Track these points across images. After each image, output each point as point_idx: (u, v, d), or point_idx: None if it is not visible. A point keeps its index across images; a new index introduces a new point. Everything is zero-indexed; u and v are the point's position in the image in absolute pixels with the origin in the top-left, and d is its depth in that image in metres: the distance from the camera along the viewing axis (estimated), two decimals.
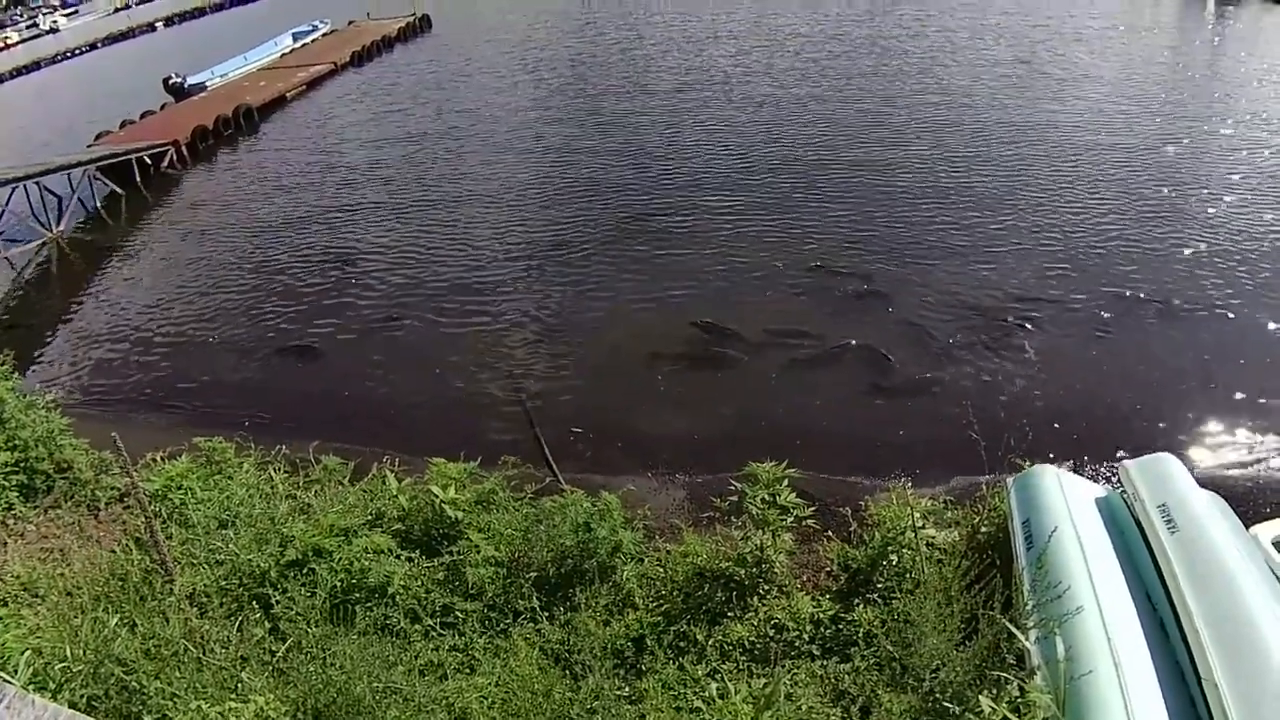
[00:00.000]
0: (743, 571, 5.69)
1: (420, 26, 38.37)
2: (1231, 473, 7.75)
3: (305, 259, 14.64)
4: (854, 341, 10.09)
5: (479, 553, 5.94)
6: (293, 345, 11.76)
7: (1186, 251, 11.64)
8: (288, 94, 27.74)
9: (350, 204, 16.97)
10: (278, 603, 5.67)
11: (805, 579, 6.19)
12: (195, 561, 6.30)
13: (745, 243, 12.90)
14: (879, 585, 5.74)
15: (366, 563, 5.85)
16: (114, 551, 6.76)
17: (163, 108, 27.59)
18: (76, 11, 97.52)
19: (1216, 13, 32.06)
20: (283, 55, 34.89)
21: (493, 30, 35.60)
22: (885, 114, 18.38)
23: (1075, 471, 6.27)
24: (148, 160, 21.09)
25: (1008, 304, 10.65)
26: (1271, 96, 18.64)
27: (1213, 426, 8.35)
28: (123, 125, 25.06)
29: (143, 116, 26.19)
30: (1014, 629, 4.36)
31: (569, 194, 15.83)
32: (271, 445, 8.43)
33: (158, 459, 8.22)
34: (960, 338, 10.02)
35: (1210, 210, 12.82)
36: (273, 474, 7.73)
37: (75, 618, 5.31)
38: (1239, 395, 8.74)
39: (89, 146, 22.52)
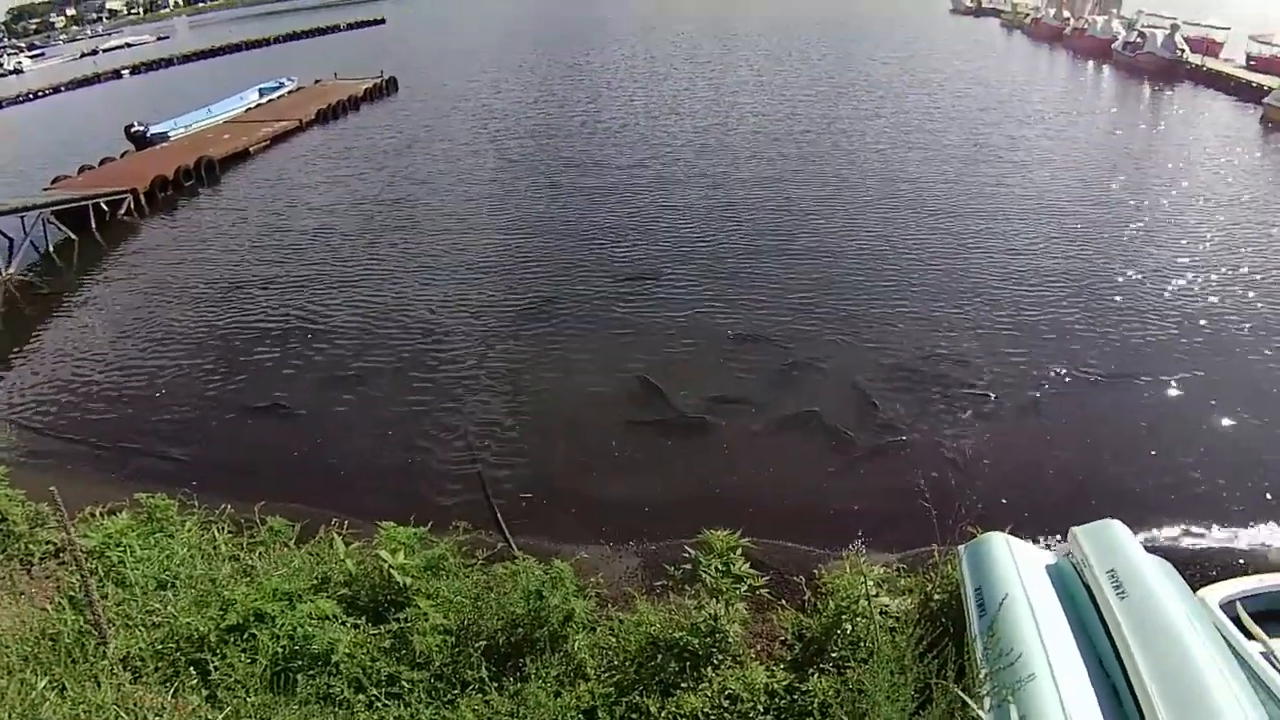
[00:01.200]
0: (696, 641, 5.61)
1: (386, 88, 38.76)
2: (1177, 537, 7.97)
3: (258, 317, 14.43)
4: (806, 410, 10.22)
5: (427, 620, 5.79)
6: (242, 403, 11.52)
7: (1130, 323, 12.07)
8: (251, 148, 27.74)
9: (307, 263, 16.85)
10: (216, 669, 5.46)
11: (760, 648, 6.13)
12: (131, 623, 6.05)
13: (698, 314, 13.07)
14: (833, 654, 5.70)
15: (310, 629, 5.66)
16: (46, 610, 6.47)
17: (124, 155, 27.41)
18: (43, 55, 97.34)
19: (1152, 95, 34.15)
20: (248, 110, 34.99)
21: (457, 96, 36.00)
22: (837, 192, 18.84)
23: (1025, 538, 6.36)
24: (105, 207, 20.87)
25: (956, 374, 10.89)
26: (1210, 174, 19.90)
27: (1157, 492, 8.57)
28: (81, 170, 24.83)
29: (102, 163, 25.99)
30: (967, 698, 4.35)
31: (524, 263, 15.89)
32: (216, 504, 8.16)
33: (97, 514, 7.91)
34: (911, 408, 10.20)
35: (1151, 283, 13.37)
36: (216, 534, 7.49)
37: (1, 679, 5.05)
38: (1182, 461, 9.00)
39: (45, 190, 22.26)
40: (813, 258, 15.14)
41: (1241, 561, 7.50)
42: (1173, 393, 10.37)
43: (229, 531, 7.63)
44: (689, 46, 48.49)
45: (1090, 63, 44.16)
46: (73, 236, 19.47)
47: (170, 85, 53.83)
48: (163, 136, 29.49)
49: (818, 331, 12.30)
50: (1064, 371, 10.84)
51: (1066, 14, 54.85)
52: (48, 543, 7.55)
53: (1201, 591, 5.64)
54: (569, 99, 32.91)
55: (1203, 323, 12.02)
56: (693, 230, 16.91)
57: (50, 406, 11.95)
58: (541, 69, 42.40)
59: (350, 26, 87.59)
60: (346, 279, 15.73)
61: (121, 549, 6.93)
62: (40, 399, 12.21)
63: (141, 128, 29.25)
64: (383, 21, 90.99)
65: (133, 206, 21.74)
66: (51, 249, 19.00)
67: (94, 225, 20.22)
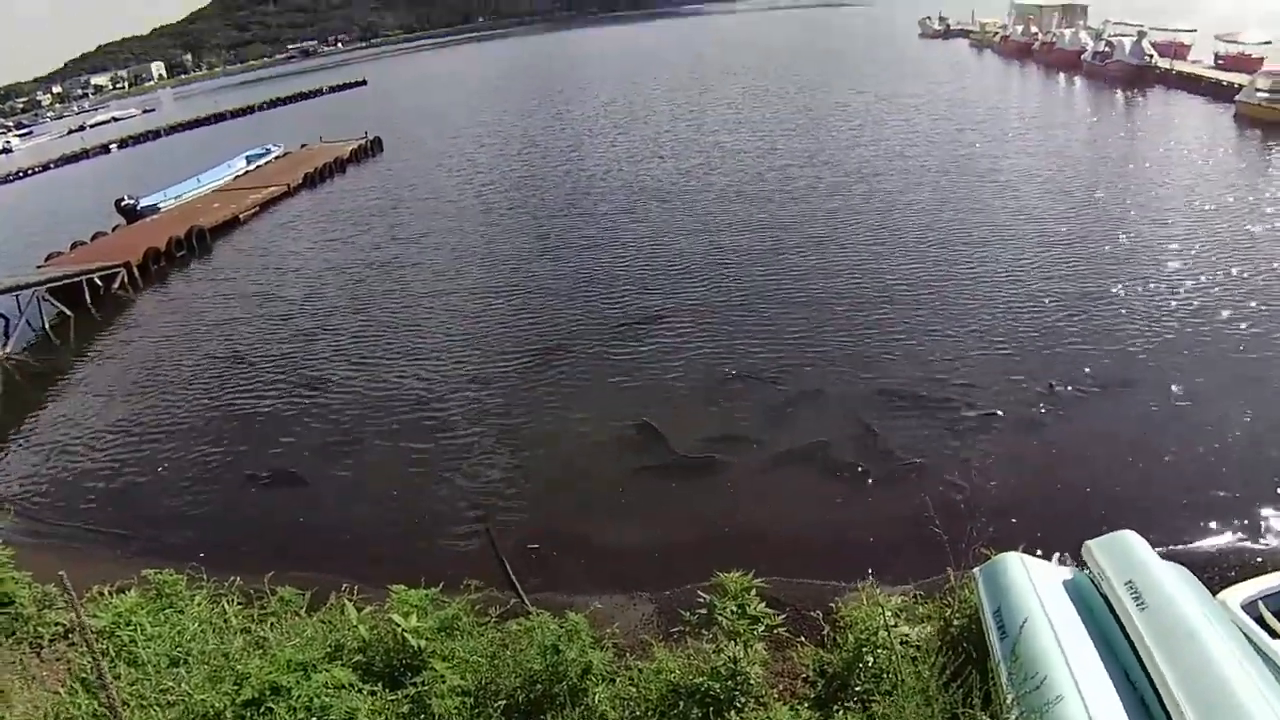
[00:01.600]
0: (718, 686, 5.54)
1: (371, 149, 39.32)
2: (1192, 542, 7.96)
3: (255, 386, 14.45)
4: (808, 443, 10.27)
5: (445, 683, 5.71)
6: (245, 473, 11.52)
7: (1125, 332, 12.18)
8: (241, 215, 28.01)
9: (300, 330, 16.90)
10: None
11: (782, 688, 6.06)
12: (145, 703, 5.97)
13: (693, 355, 13.16)
14: (857, 689, 5.64)
15: (327, 699, 5.58)
16: (58, 693, 6.37)
17: (115, 229, 27.67)
18: (30, 132, 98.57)
19: (1125, 102, 34.78)
20: (236, 177, 35.45)
21: (441, 153, 36.47)
22: (823, 225, 19.05)
23: (1039, 556, 6.33)
24: (98, 282, 21.01)
25: (954, 396, 10.95)
26: (1191, 176, 20.39)
27: (1168, 498, 8.61)
28: (73, 246, 25.07)
29: (94, 238, 26.23)
30: None
31: (516, 316, 15.98)
32: (225, 576, 8.11)
33: (105, 592, 7.83)
34: (913, 433, 10.25)
35: (1143, 291, 13.54)
36: (226, 607, 7.42)
37: None
38: (1189, 464, 9.07)
39: (39, 267, 22.40)
40: (803, 292, 15.26)
41: (1260, 560, 7.51)
42: (1173, 398, 10.43)
43: (239, 603, 7.57)
44: (666, 88, 49.28)
45: (1061, 75, 45.00)
46: (68, 313, 19.56)
47: (158, 157, 54.54)
48: (153, 208, 29.84)
49: (814, 364, 12.37)
50: (1063, 385, 10.89)
51: (1034, 29, 56.01)
52: (57, 624, 7.46)
53: (1222, 594, 5.63)
54: (552, 148, 33.41)
55: (1197, 326, 12.16)
56: (682, 272, 17.03)
57: (54, 486, 11.93)
58: (523, 121, 43.00)
59: (332, 89, 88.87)
60: (340, 344, 15.75)
61: (132, 627, 6.85)
62: (43, 479, 12.19)
63: (132, 200, 29.59)
64: (364, 83, 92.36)
65: (126, 280, 21.87)
66: (48, 326, 19.08)
67: (89, 300, 20.34)
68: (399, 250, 21.52)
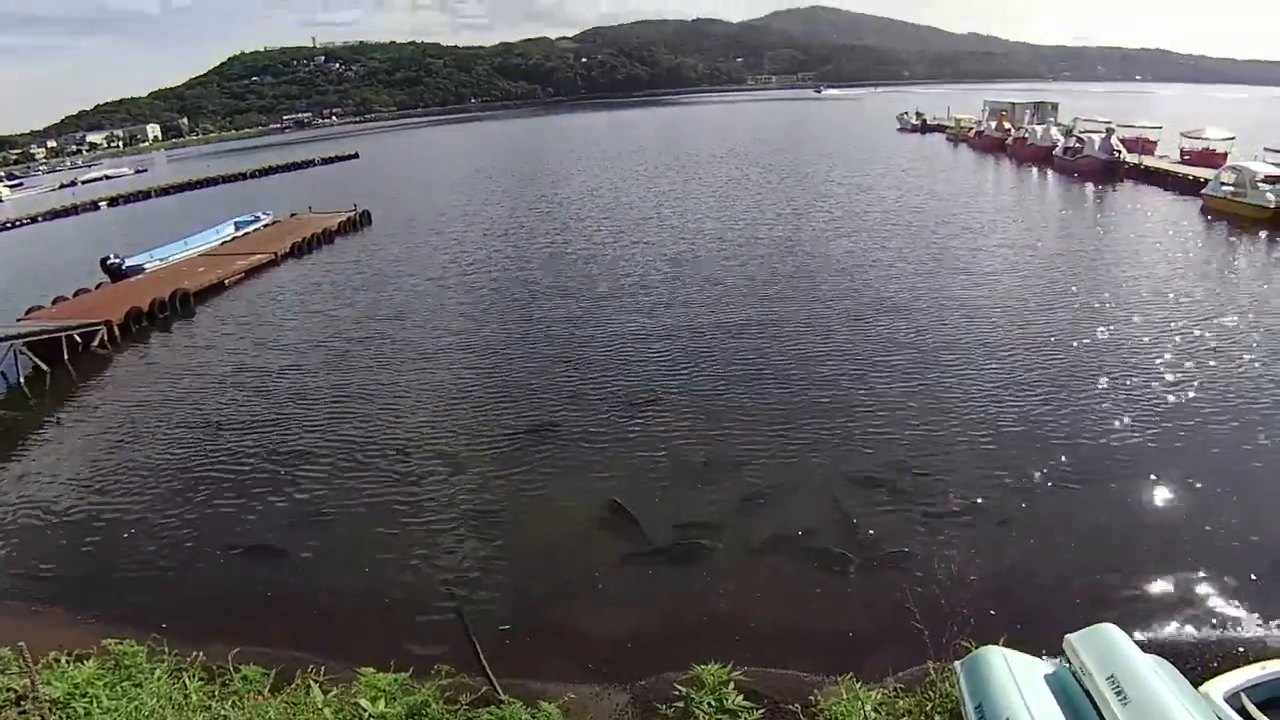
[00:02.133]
0: None
1: (360, 222, 39.53)
2: (1173, 633, 7.99)
3: (229, 455, 14.14)
4: (787, 532, 10.25)
5: None
6: (214, 544, 11.19)
7: (1103, 424, 12.50)
8: (226, 281, 28.00)
9: (278, 400, 16.66)
10: None
11: None
12: None
13: (673, 442, 13.14)
14: None
15: None
16: None
17: (99, 286, 27.53)
18: (21, 184, 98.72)
19: (1096, 195, 36.44)
20: (224, 243, 35.56)
21: (429, 230, 36.86)
22: (803, 314, 19.40)
23: (1020, 649, 6.33)
24: (78, 338, 20.78)
25: (934, 487, 11.03)
26: (1164, 268, 21.65)
27: (1148, 589, 8.66)
28: (55, 301, 24.87)
29: (77, 294, 26.07)
30: None
31: (496, 397, 15.87)
32: (188, 649, 7.82)
33: (63, 660, 7.55)
34: (891, 523, 10.27)
35: (1121, 383, 14.00)
36: (187, 682, 7.17)
37: None
38: (1168, 555, 9.15)
39: (19, 320, 22.13)
40: (782, 380, 15.42)
41: (1241, 650, 7.53)
42: (1152, 488, 10.63)
43: (200, 679, 7.30)
44: (649, 175, 50.75)
45: (1034, 169, 47.25)
46: (45, 368, 19.29)
47: (147, 218, 54.66)
48: (138, 269, 29.77)
49: (794, 452, 12.44)
50: (1041, 476, 11.04)
51: (1007, 125, 58.88)
52: (9, 690, 7.13)
53: (1205, 686, 5.65)
54: (537, 230, 33.96)
55: (1176, 418, 12.52)
56: (664, 358, 17.19)
57: (16, 545, 11.57)
58: (510, 201, 43.92)
59: (325, 161, 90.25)
60: (317, 418, 15.52)
61: (88, 699, 6.62)
62: (6, 536, 11.82)
63: (117, 259, 29.54)
64: (356, 156, 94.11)
65: (106, 339, 21.66)
66: (23, 380, 18.74)
67: (66, 357, 20.05)
68: (381, 326, 21.41)
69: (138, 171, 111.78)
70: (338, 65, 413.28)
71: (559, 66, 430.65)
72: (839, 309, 19.47)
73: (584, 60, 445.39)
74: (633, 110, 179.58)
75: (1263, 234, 26.85)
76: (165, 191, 72.42)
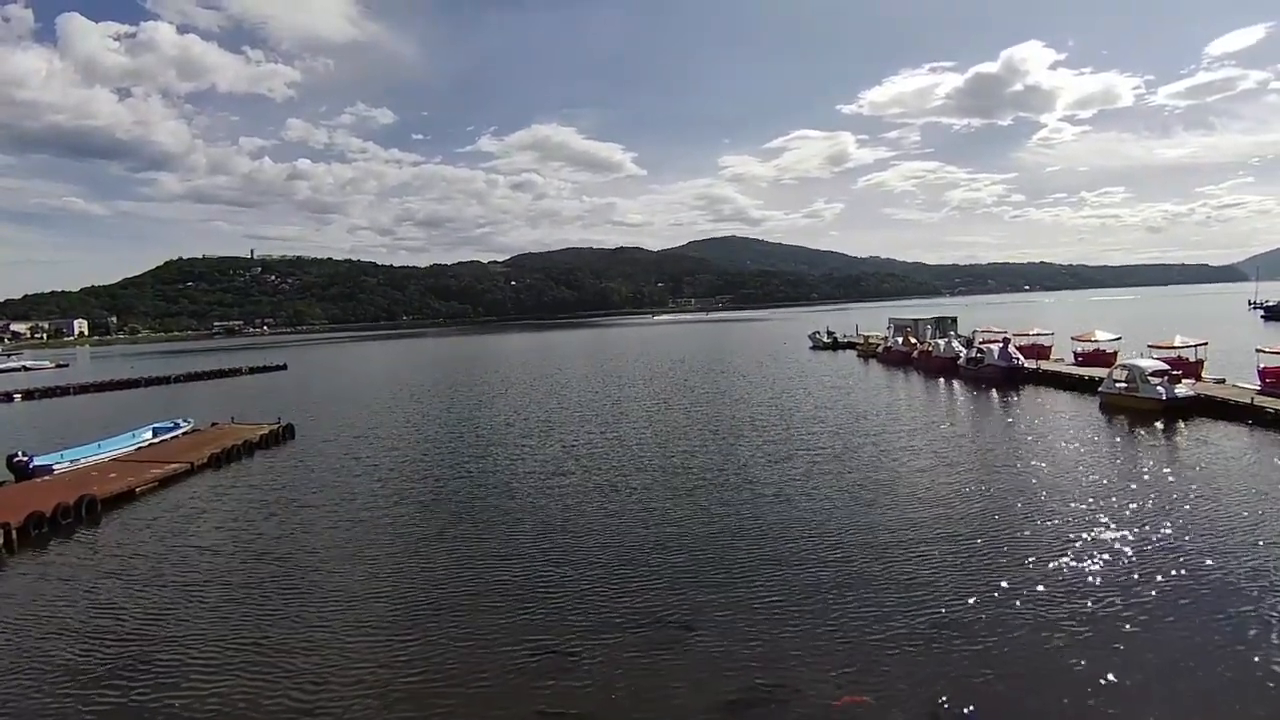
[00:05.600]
0: None
1: (283, 435, 39.29)
2: None
3: (118, 685, 13.46)
4: None
5: None
6: None
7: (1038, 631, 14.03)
8: (138, 489, 27.81)
9: (181, 623, 15.96)
10: None
11: None
12: None
13: (584, 676, 13.21)
14: None
15: None
16: None
17: (2, 485, 27.19)
18: None
19: (1001, 400, 40.60)
20: (140, 448, 35.53)
21: (354, 443, 37.28)
22: (732, 541, 19.84)
23: None
24: None
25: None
26: (1073, 465, 25.57)
27: None
28: None
29: None
30: None
31: (415, 622, 15.56)
32: None
33: None
34: None
35: (1053, 594, 15.60)
36: None
37: None
38: None
39: None
40: (709, 610, 15.60)
41: None
42: (1080, 689, 11.93)
43: None
44: (577, 398, 52.63)
45: (941, 380, 52.18)
46: None
47: (63, 415, 53.77)
48: (46, 469, 29.55)
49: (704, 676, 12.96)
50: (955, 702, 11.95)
51: (913, 340, 65.33)
52: None
53: None
54: (459, 456, 33.87)
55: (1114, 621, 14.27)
56: (590, 593, 16.93)
57: None
58: (436, 421, 44.74)
59: (252, 370, 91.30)
60: (223, 646, 14.81)
61: None
62: None
63: (25, 458, 29.33)
64: (284, 367, 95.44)
65: (2, 543, 21.32)
66: None
67: None
68: (295, 551, 20.85)
69: (59, 366, 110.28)
70: (273, 277, 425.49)
71: (490, 288, 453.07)
72: (783, 532, 20.24)
73: (514, 283, 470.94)
74: (560, 332, 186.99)
75: (1158, 424, 31.48)
76: (85, 389, 71.85)
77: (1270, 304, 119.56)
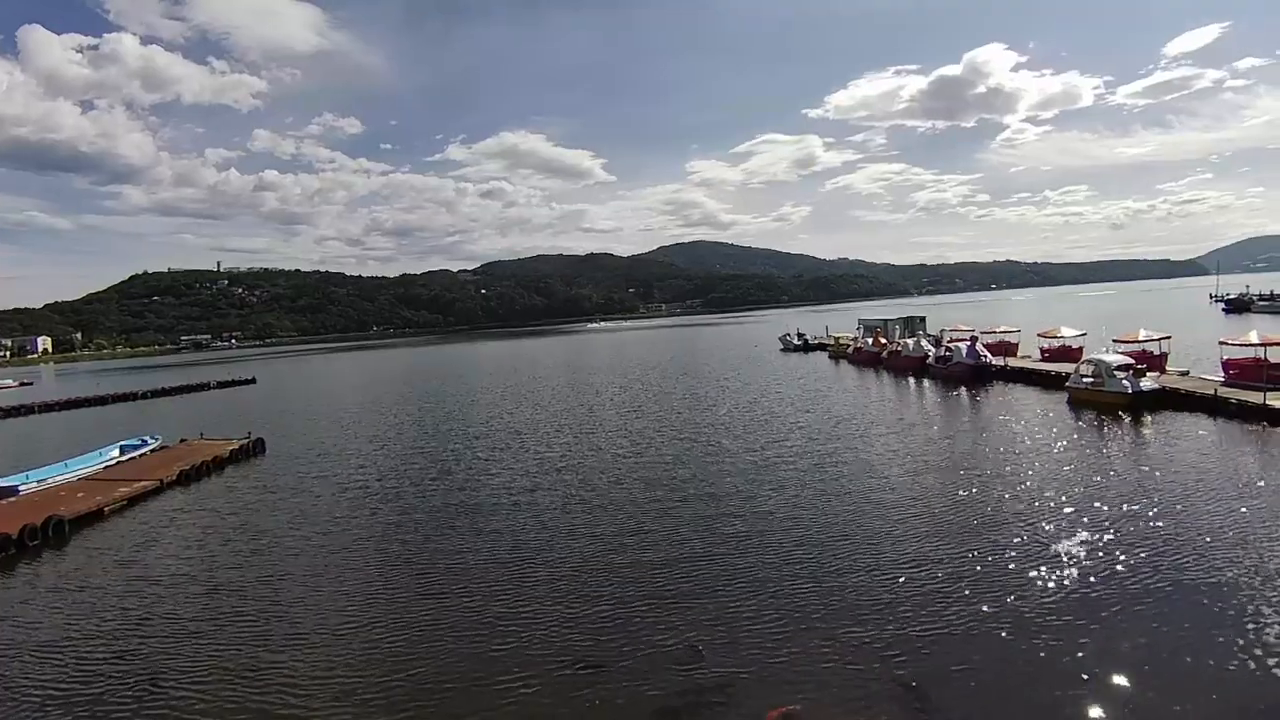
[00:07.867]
0: None
1: (253, 449, 38.69)
2: None
3: (94, 699, 13.37)
4: None
5: None
6: None
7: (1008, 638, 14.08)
8: (106, 509, 27.36)
9: (149, 649, 15.57)
10: None
11: None
12: None
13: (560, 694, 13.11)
14: None
15: None
16: None
17: None
18: None
19: (970, 397, 41.27)
20: (107, 466, 34.99)
21: (325, 458, 36.74)
22: (711, 550, 19.69)
23: None
24: None
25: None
26: (1043, 461, 26.11)
27: None
28: None
29: None
30: None
31: (382, 658, 14.91)
32: None
33: None
34: None
35: (1020, 602, 15.49)
36: None
37: None
38: None
39: None
40: (677, 617, 15.61)
41: None
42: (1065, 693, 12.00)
43: None
44: (552, 407, 52.19)
45: (910, 378, 52.90)
46: None
47: (28, 434, 52.71)
48: (11, 489, 29.06)
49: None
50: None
51: (882, 340, 66.15)
52: None
53: None
54: (437, 463, 33.98)
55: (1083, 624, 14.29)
56: (560, 611, 16.54)
57: None
58: (408, 436, 43.92)
59: (220, 385, 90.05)
60: (194, 666, 14.63)
61: None
62: None
63: None
64: (253, 381, 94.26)
65: None
66: None
67: None
68: (267, 569, 20.44)
69: (22, 384, 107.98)
70: (241, 290, 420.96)
71: (460, 297, 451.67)
72: (743, 550, 19.79)
73: (484, 291, 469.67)
74: (531, 340, 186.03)
75: (1125, 417, 32.32)
76: (50, 407, 70.48)
77: (1231, 297, 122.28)
